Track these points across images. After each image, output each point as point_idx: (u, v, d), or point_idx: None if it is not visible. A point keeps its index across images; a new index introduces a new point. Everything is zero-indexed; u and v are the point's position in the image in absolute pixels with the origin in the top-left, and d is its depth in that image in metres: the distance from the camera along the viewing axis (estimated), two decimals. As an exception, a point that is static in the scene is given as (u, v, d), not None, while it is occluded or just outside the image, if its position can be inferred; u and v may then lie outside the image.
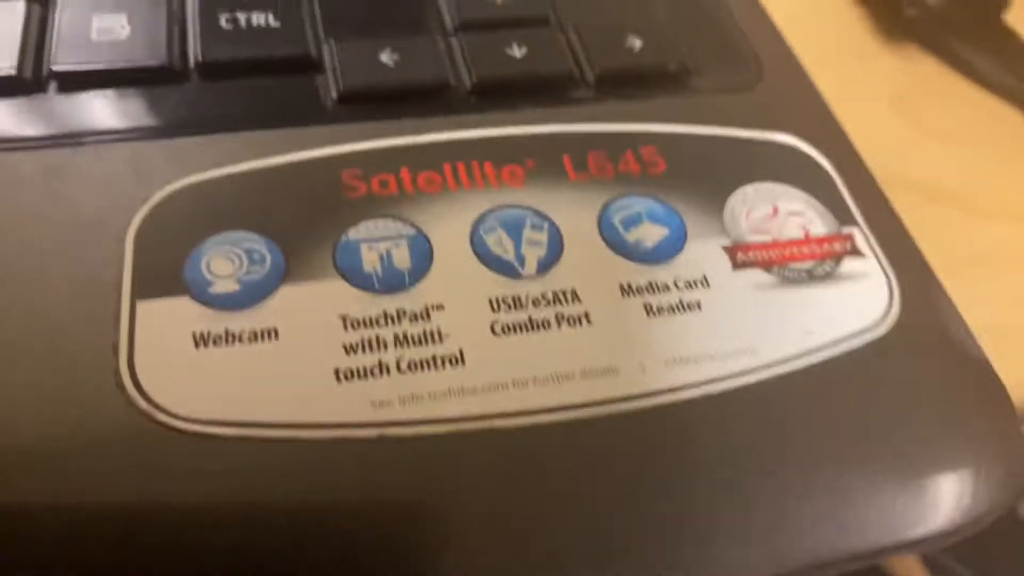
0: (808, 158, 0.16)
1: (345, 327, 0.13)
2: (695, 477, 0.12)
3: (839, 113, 0.21)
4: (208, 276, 0.13)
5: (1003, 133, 0.24)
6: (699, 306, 0.14)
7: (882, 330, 0.14)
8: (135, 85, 0.15)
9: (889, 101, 0.23)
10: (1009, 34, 0.25)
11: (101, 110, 0.15)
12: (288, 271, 0.13)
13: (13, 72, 0.15)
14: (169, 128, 0.15)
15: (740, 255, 0.15)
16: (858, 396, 0.13)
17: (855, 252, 0.15)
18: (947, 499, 0.13)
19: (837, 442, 0.13)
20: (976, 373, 0.14)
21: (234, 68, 0.16)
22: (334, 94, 0.16)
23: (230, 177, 0.14)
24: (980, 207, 0.22)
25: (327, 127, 0.15)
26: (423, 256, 0.14)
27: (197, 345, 0.12)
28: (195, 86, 0.16)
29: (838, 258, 0.15)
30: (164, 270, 0.13)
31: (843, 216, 0.16)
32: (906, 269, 0.15)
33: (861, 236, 0.15)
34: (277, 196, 0.14)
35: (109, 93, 0.15)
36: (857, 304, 0.14)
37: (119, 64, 0.15)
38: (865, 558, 0.13)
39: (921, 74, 0.24)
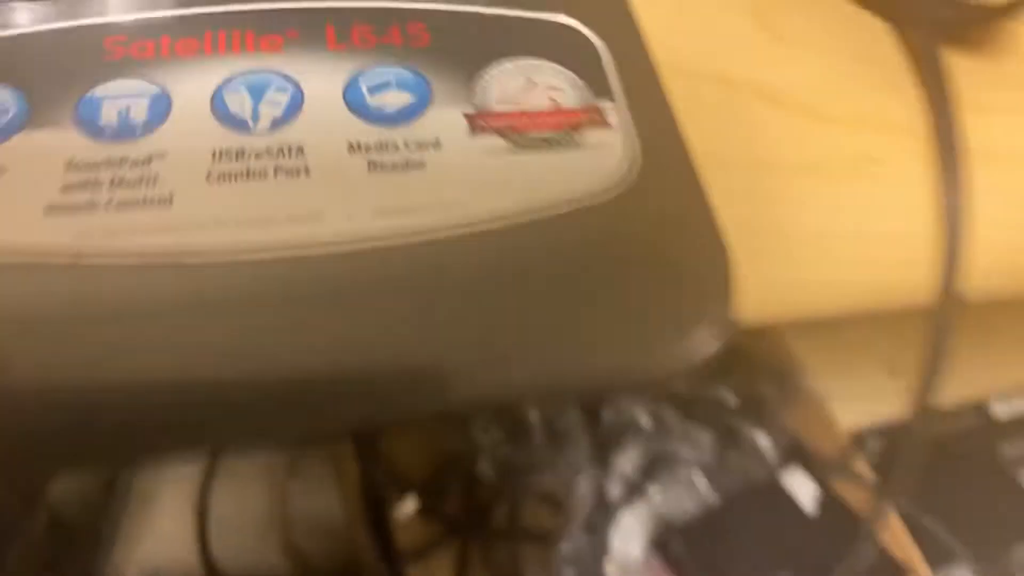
0: (582, 38, 0.17)
1: (68, 169, 0.13)
2: (379, 322, 0.13)
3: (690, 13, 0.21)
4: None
5: (860, 39, 0.23)
6: (423, 164, 0.14)
7: (612, 195, 0.14)
8: None
9: (748, 5, 0.23)
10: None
11: None
12: (30, 120, 0.14)
13: None
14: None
15: (479, 121, 0.15)
16: (577, 251, 0.14)
17: (601, 123, 0.15)
18: (659, 346, 0.13)
19: (555, 288, 0.13)
20: (703, 243, 0.14)
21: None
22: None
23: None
24: (823, 112, 0.21)
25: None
26: (161, 111, 0.14)
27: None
28: None
29: (579, 127, 0.15)
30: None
31: (600, 91, 0.16)
32: (656, 145, 0.15)
33: (613, 110, 0.15)
34: (37, 57, 0.15)
35: None
36: (592, 170, 0.15)
37: None
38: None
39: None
